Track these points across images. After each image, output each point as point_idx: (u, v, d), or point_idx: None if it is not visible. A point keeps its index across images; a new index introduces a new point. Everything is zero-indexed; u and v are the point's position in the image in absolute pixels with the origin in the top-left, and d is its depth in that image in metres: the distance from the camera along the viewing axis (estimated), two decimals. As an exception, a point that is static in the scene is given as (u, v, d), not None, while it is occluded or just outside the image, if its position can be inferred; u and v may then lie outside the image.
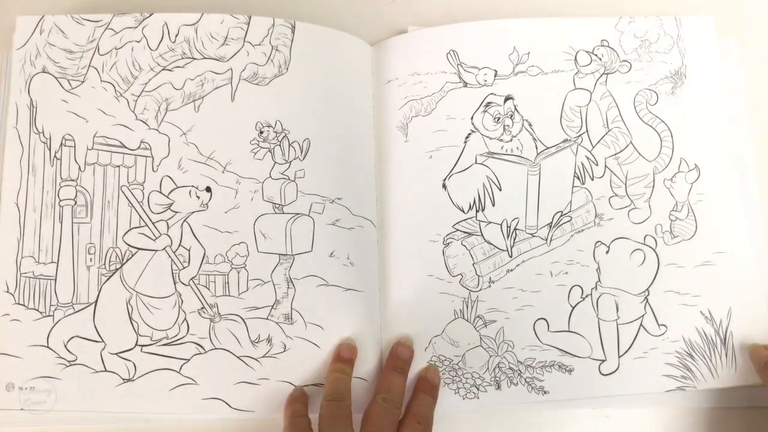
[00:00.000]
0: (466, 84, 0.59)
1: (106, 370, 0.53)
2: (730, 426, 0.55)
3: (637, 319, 0.56)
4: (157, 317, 0.54)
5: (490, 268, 0.57)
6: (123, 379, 0.53)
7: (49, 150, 0.56)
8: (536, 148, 0.58)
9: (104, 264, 0.55)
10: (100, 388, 0.53)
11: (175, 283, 0.55)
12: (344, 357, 0.54)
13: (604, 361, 0.55)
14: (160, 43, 0.58)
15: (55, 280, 0.55)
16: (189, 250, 0.55)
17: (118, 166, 0.56)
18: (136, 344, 0.54)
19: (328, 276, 0.55)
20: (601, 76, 0.60)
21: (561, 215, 0.58)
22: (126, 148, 0.57)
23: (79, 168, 0.56)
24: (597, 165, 0.58)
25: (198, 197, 0.56)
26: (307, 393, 0.54)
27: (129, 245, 0.55)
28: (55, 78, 0.57)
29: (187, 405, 0.53)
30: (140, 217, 0.56)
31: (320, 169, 0.57)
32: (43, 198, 0.56)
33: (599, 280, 0.56)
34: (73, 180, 0.56)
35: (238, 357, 0.54)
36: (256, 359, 0.54)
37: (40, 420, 0.53)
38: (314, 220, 0.56)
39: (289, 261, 0.55)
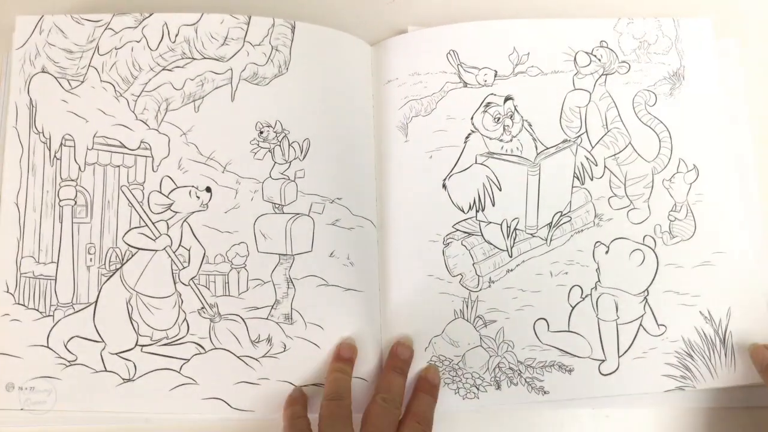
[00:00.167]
0: (466, 84, 0.59)
1: (106, 370, 0.53)
2: (730, 426, 0.56)
3: (637, 319, 0.56)
4: (157, 317, 0.54)
5: (490, 268, 0.57)
6: (123, 379, 0.53)
7: (49, 150, 0.56)
8: (536, 148, 0.59)
9: (104, 264, 0.55)
10: (100, 388, 0.53)
11: (175, 283, 0.55)
12: (344, 357, 0.54)
13: (603, 361, 0.55)
14: (160, 43, 0.58)
15: (55, 280, 0.55)
16: (189, 250, 0.55)
17: (118, 166, 0.56)
18: (136, 344, 0.54)
19: (328, 276, 0.56)
20: (600, 76, 0.60)
21: (561, 215, 0.58)
22: (126, 148, 0.57)
23: (79, 168, 0.56)
24: (596, 165, 0.59)
25: (198, 197, 0.56)
26: (306, 394, 0.54)
27: (129, 245, 0.55)
28: (55, 78, 0.57)
29: (187, 405, 0.53)
30: (140, 217, 0.56)
31: (320, 169, 0.57)
32: (43, 198, 0.56)
33: (599, 280, 0.56)
34: (73, 180, 0.56)
35: (238, 357, 0.54)
36: (256, 359, 0.54)
37: (40, 420, 0.53)
38: (314, 220, 0.56)
39: (289, 261, 0.56)
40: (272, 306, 0.55)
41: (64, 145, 0.56)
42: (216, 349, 0.54)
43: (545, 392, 0.55)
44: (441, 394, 0.54)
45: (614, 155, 0.59)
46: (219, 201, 0.56)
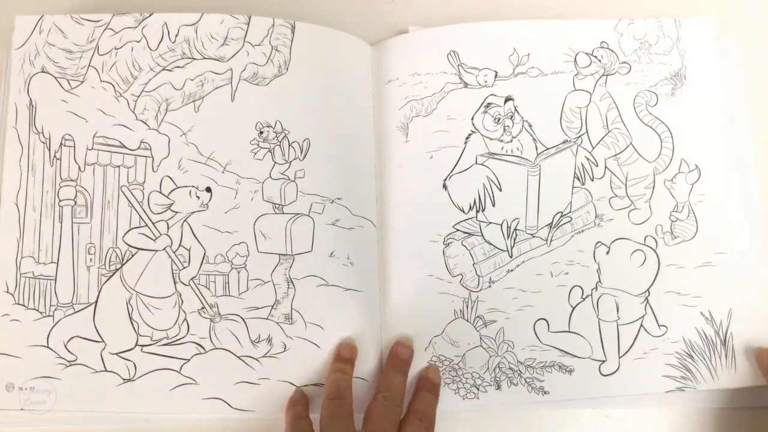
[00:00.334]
0: (466, 85, 0.59)
1: (106, 370, 0.53)
2: (731, 426, 0.56)
3: (638, 319, 0.56)
4: (158, 317, 0.54)
5: (491, 268, 0.57)
6: (123, 379, 0.53)
7: (49, 150, 0.56)
8: (536, 148, 0.59)
9: (104, 264, 0.55)
10: (100, 388, 0.53)
11: (175, 283, 0.55)
12: (345, 356, 0.54)
13: (604, 361, 0.55)
14: (159, 43, 0.58)
15: (55, 280, 0.54)
16: (189, 250, 0.55)
17: (118, 166, 0.56)
18: (136, 344, 0.54)
19: (328, 276, 0.56)
20: (600, 77, 0.60)
21: (561, 216, 0.58)
22: (126, 148, 0.57)
23: (79, 168, 0.56)
24: (597, 166, 0.58)
25: (198, 197, 0.56)
26: (307, 395, 0.54)
27: (129, 245, 0.55)
28: (55, 78, 0.57)
29: (187, 405, 0.53)
30: (140, 217, 0.56)
31: (320, 169, 0.57)
32: (43, 198, 0.56)
33: (600, 281, 0.56)
34: (72, 180, 0.56)
35: (238, 357, 0.54)
36: (256, 359, 0.54)
37: (40, 420, 0.53)
38: (314, 220, 0.56)
39: (289, 261, 0.55)
40: (272, 306, 0.55)
41: (64, 145, 0.56)
42: (216, 349, 0.54)
43: (545, 392, 0.55)
44: (441, 394, 0.54)
45: (615, 156, 0.59)
46: (219, 201, 0.56)
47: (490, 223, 0.58)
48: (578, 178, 0.58)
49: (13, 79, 0.57)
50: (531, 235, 0.57)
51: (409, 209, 0.58)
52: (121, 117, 0.57)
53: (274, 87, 0.58)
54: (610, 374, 0.55)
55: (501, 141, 0.59)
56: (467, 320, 0.56)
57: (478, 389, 0.55)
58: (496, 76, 0.60)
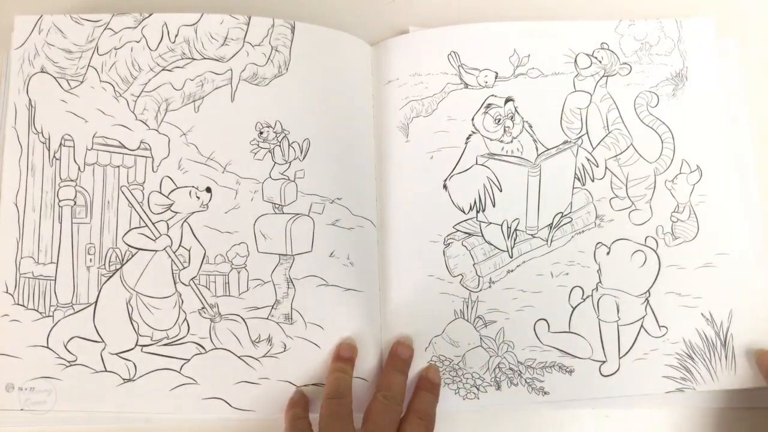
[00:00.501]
0: (467, 85, 0.59)
1: (106, 370, 0.53)
2: (730, 426, 0.56)
3: (638, 320, 0.56)
4: (158, 317, 0.54)
5: (491, 268, 0.57)
6: (123, 379, 0.53)
7: (49, 150, 0.56)
8: (536, 149, 0.59)
9: (104, 264, 0.55)
10: (100, 388, 0.53)
11: (175, 284, 0.55)
12: (344, 356, 0.54)
13: (604, 362, 0.55)
14: (159, 43, 0.58)
15: (55, 280, 0.54)
16: (189, 251, 0.55)
17: (118, 167, 0.56)
18: (136, 344, 0.54)
19: (328, 276, 0.56)
20: (601, 78, 0.60)
21: (561, 216, 0.58)
22: (126, 148, 0.56)
23: (79, 168, 0.56)
24: (597, 166, 0.58)
25: (198, 197, 0.56)
26: (307, 396, 0.54)
27: (129, 245, 0.55)
28: (54, 78, 0.57)
29: (187, 405, 0.53)
30: (140, 217, 0.56)
31: (320, 170, 0.57)
32: (43, 198, 0.56)
33: (600, 281, 0.56)
34: (72, 180, 0.56)
35: (238, 357, 0.54)
36: (256, 359, 0.54)
37: (40, 420, 0.53)
38: (314, 220, 0.56)
39: (289, 261, 0.55)
40: (272, 306, 0.55)
41: (64, 146, 0.56)
42: (216, 349, 0.54)
43: (545, 393, 0.55)
44: (441, 394, 0.54)
45: (615, 156, 0.59)
46: (219, 201, 0.56)
47: (491, 223, 0.58)
48: (579, 179, 0.58)
49: (12, 79, 0.57)
50: (531, 235, 0.57)
51: (410, 209, 0.58)
52: (120, 117, 0.57)
53: (274, 87, 0.58)
54: (611, 375, 0.55)
55: (501, 141, 0.59)
56: (467, 320, 0.56)
57: (478, 389, 0.55)
58: (496, 77, 0.59)
